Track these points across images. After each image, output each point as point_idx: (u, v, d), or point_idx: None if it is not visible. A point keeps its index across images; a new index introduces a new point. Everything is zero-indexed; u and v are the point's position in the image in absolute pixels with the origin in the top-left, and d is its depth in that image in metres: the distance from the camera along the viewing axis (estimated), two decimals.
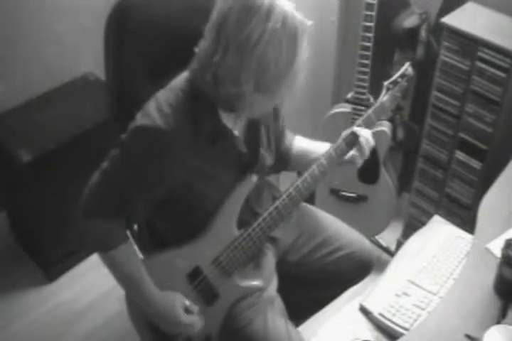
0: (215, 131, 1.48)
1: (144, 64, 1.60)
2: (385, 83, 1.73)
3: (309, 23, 1.38)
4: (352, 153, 1.67)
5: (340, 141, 1.65)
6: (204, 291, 1.66)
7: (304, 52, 1.38)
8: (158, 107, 1.43)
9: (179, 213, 1.60)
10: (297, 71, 1.39)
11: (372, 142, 1.67)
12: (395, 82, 1.73)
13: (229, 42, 1.34)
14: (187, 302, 1.63)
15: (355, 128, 1.67)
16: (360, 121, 1.67)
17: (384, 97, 1.71)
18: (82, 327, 2.41)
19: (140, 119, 1.43)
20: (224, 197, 1.57)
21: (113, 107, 1.69)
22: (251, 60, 1.34)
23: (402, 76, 1.75)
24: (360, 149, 1.66)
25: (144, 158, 1.44)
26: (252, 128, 1.60)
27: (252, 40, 1.32)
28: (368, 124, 1.68)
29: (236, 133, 1.55)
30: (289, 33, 1.34)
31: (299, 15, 1.35)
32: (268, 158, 1.66)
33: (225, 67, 1.35)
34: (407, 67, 1.76)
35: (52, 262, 2.53)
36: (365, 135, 1.66)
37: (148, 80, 1.61)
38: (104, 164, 1.48)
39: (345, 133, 1.67)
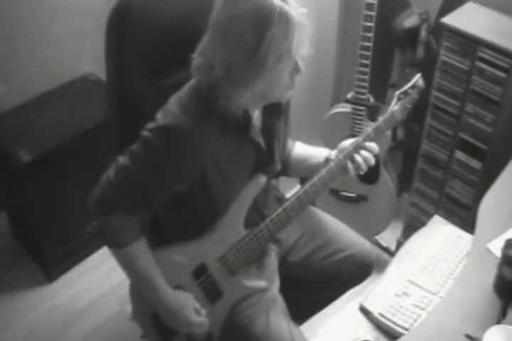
0: (244, 119, 1.47)
1: (144, 64, 1.60)
2: (396, 93, 1.71)
3: (302, 10, 1.33)
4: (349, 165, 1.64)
5: (350, 148, 1.62)
6: (208, 289, 1.67)
7: (280, 40, 1.32)
8: (180, 105, 1.43)
9: (188, 210, 1.60)
10: (266, 60, 1.33)
11: (372, 162, 1.63)
12: (405, 93, 1.71)
13: (209, 26, 1.37)
14: (197, 305, 1.64)
15: (361, 143, 1.63)
16: (370, 129, 1.65)
17: (394, 107, 1.69)
18: (82, 327, 2.41)
19: (163, 118, 1.42)
20: (234, 197, 1.57)
21: (113, 107, 1.69)
22: (217, 43, 1.35)
23: (413, 87, 1.72)
24: (357, 167, 1.63)
25: (169, 157, 1.44)
26: (267, 131, 1.60)
27: (220, 22, 1.34)
28: (377, 133, 1.66)
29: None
30: (255, 17, 1.30)
31: (276, 2, 1.30)
32: (278, 162, 1.66)
33: (207, 54, 1.37)
34: (417, 79, 1.73)
35: (52, 262, 2.53)
36: (365, 154, 1.62)
37: (149, 80, 1.61)
38: (123, 160, 1.47)
39: (355, 139, 1.64)
